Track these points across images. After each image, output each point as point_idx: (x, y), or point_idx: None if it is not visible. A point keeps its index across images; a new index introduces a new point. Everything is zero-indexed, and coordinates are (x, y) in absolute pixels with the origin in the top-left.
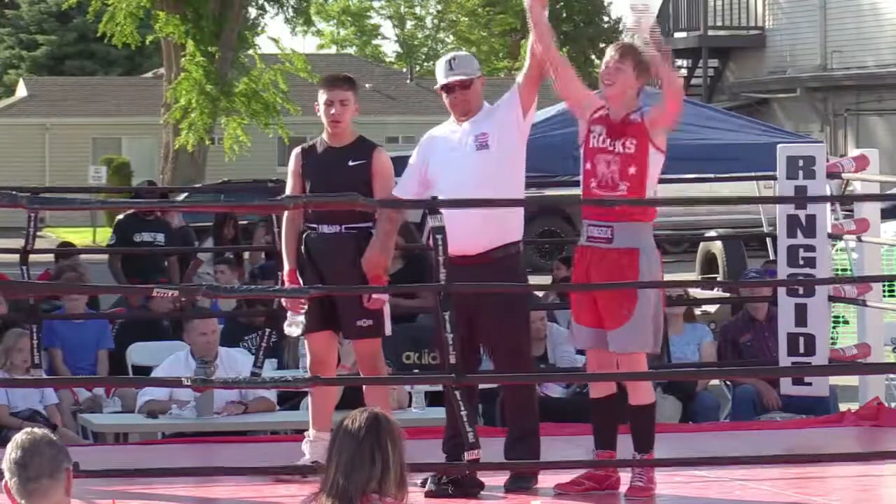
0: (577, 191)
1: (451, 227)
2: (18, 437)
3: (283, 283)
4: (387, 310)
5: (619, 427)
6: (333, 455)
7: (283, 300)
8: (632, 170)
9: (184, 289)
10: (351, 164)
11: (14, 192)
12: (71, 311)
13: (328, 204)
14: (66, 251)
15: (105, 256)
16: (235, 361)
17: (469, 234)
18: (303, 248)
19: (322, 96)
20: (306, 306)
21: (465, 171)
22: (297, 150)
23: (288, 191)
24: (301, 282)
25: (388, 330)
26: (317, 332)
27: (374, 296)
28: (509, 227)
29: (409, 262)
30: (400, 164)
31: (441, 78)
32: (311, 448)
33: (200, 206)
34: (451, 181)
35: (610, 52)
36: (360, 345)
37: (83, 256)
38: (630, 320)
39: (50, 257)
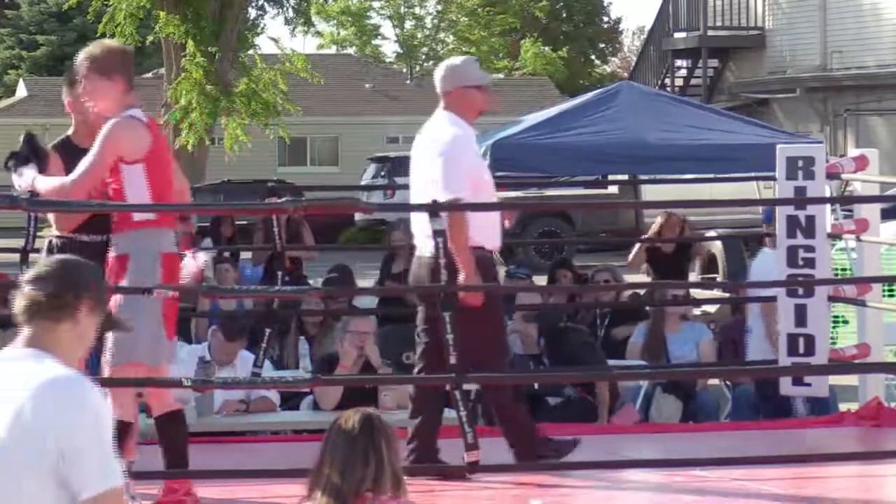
0: (578, 191)
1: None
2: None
3: None
4: None
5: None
6: (327, 455)
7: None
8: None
9: (184, 289)
10: None
11: (14, 194)
12: None
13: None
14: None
15: None
16: (248, 362)
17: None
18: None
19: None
20: None
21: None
22: (52, 149)
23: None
24: None
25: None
26: None
27: None
28: None
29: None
30: (401, 163)
31: (484, 76)
32: None
33: (200, 208)
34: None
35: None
36: None
37: None
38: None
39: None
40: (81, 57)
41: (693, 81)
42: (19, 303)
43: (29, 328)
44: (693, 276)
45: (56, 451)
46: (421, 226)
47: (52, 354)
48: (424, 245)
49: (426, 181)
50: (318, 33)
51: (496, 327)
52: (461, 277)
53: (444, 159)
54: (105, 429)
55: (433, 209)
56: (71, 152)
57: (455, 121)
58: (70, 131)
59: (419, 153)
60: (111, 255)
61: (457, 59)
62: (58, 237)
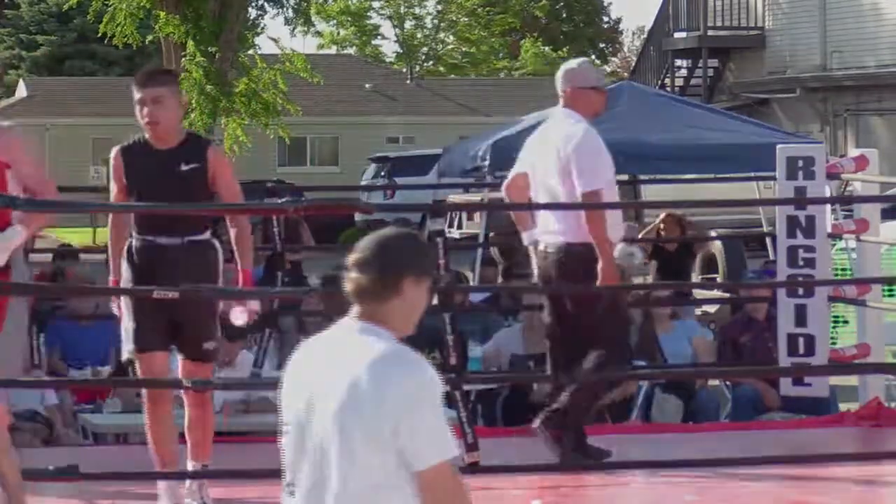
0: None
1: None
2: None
3: None
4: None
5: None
6: None
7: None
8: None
9: (183, 291)
10: (184, 168)
11: (12, 196)
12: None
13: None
14: (66, 251)
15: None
16: (248, 362)
17: None
18: (133, 258)
19: (134, 96)
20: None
21: None
22: (115, 150)
23: (113, 196)
24: None
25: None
26: (158, 351)
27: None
28: None
29: None
30: (400, 163)
31: (600, 79)
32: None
33: (200, 208)
34: None
35: None
36: (198, 369)
37: (84, 256)
38: None
39: (50, 257)
40: None
41: (693, 81)
42: (348, 286)
43: (360, 306)
44: (693, 277)
45: (392, 423)
46: (546, 222)
47: (386, 328)
48: (549, 240)
49: (554, 175)
50: (318, 33)
51: (624, 321)
52: (600, 267)
53: (581, 152)
54: (438, 403)
55: (433, 209)
56: (143, 154)
57: (577, 117)
58: (148, 133)
59: (544, 149)
60: None
61: (573, 63)
62: (137, 239)
